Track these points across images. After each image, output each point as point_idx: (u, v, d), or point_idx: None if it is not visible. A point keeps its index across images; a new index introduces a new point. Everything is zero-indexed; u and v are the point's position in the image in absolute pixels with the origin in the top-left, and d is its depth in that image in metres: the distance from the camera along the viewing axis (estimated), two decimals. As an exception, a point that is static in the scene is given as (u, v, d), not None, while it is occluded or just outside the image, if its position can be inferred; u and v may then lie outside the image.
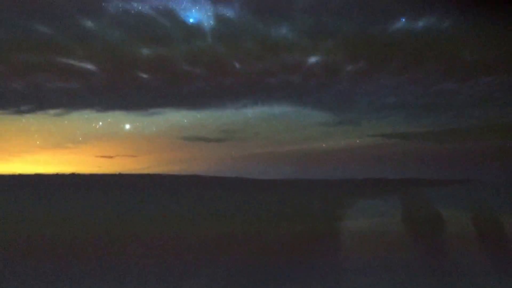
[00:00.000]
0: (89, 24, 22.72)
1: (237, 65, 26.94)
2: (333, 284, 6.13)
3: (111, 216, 12.69)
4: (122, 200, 16.69)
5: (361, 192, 20.70)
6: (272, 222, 11.65)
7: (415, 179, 23.44)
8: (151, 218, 12.22)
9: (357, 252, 8.32)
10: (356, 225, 12.03)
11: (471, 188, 21.29)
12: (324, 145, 34.53)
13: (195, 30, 24.08)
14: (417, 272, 6.72)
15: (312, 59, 27.02)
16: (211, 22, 23.58)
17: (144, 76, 28.00)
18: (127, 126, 32.78)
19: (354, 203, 16.68)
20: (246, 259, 7.34)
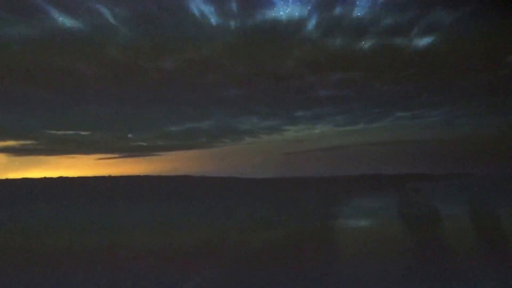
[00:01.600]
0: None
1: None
2: (329, 283, 5.89)
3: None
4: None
5: (357, 189, 20.37)
6: (265, 221, 11.32)
7: (411, 175, 23.16)
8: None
9: (352, 250, 8.10)
10: (351, 223, 11.76)
11: (469, 183, 20.99)
12: (314, 144, 34.23)
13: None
14: (414, 269, 6.44)
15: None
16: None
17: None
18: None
19: (350, 201, 16.36)
20: (240, 259, 7.18)
